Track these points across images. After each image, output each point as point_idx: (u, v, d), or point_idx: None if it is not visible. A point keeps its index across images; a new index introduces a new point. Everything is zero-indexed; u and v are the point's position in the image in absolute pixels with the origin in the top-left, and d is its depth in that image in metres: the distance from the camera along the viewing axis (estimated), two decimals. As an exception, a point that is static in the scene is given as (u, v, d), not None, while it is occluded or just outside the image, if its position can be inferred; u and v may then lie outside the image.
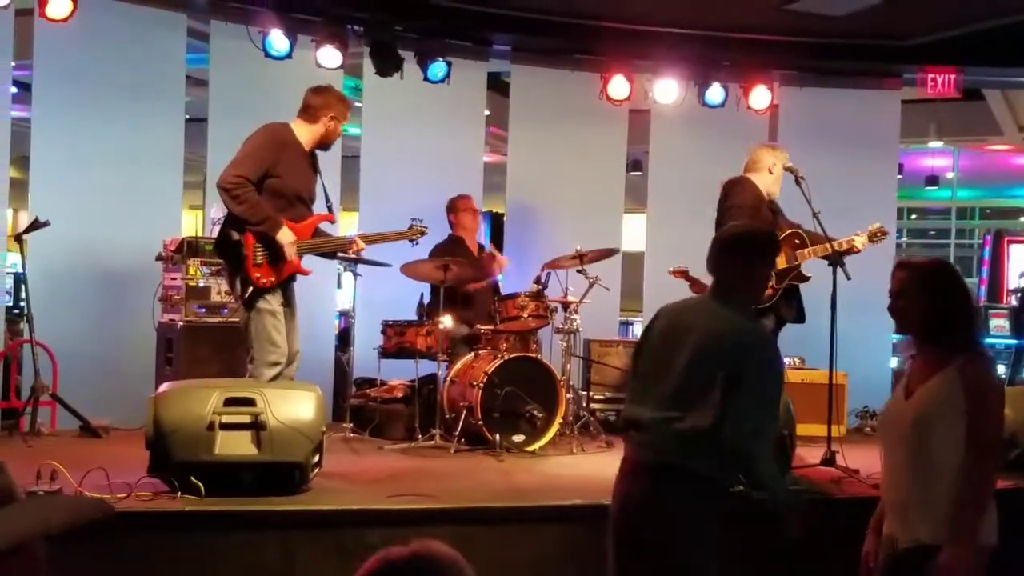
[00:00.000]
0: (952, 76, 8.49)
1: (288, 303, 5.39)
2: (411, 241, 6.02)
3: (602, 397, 7.48)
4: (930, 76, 8.55)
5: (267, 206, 5.19)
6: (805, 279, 6.00)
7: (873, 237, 6.09)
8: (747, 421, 3.22)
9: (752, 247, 3.49)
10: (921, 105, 10.84)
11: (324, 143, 5.49)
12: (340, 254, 6.13)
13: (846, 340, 6.01)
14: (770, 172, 6.16)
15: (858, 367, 6.48)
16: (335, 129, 5.46)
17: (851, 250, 5.99)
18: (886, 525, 3.26)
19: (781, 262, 5.94)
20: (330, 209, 5.70)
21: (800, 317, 6.16)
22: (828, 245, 5.90)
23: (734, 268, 3.43)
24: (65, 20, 6.62)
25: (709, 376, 3.21)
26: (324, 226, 5.59)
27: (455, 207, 7.39)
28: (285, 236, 5.20)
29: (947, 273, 3.30)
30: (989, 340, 10.10)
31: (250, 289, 5.20)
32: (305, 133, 5.40)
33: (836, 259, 5.85)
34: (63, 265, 6.97)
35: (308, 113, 5.41)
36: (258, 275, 5.20)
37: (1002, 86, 10.55)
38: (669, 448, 3.26)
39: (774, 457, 4.91)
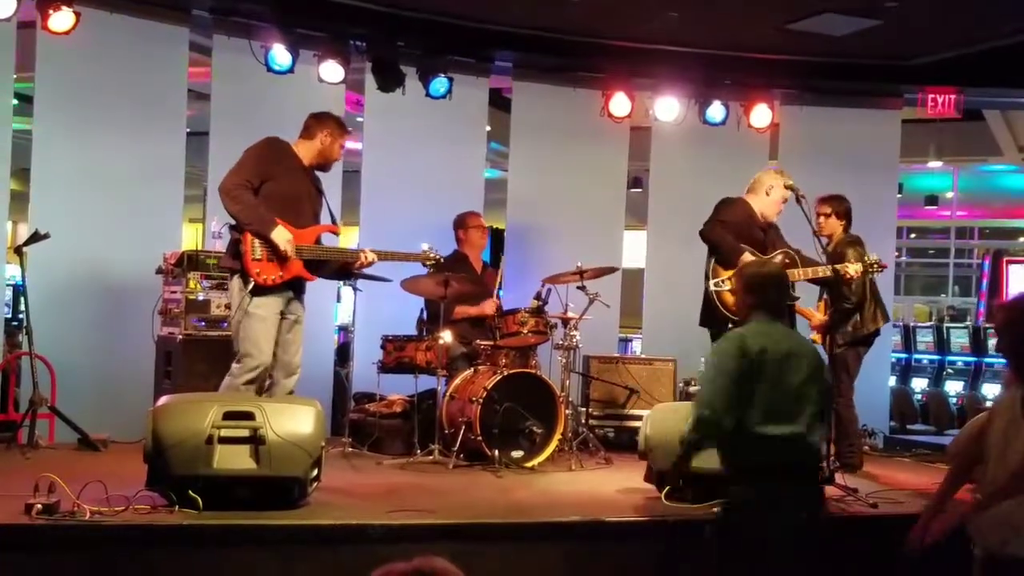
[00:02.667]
0: (952, 96, 8.53)
1: (288, 314, 5.42)
2: (424, 265, 6.07)
3: (601, 413, 7.46)
4: (931, 96, 8.59)
5: (262, 207, 5.30)
6: (793, 299, 6.03)
7: (869, 268, 6.14)
8: None
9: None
10: (921, 125, 10.89)
11: (323, 161, 5.65)
12: (345, 278, 6.17)
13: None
14: (767, 194, 6.26)
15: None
16: (331, 146, 5.61)
17: (844, 276, 6.04)
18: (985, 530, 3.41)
19: None
20: (334, 221, 5.77)
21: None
22: (818, 269, 6.02)
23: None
24: (67, 33, 6.64)
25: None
26: (329, 240, 5.61)
27: (464, 223, 7.36)
28: (279, 234, 5.27)
29: None
30: (989, 360, 10.14)
31: (250, 285, 5.25)
32: (303, 149, 5.59)
33: (827, 284, 5.97)
34: (63, 277, 6.96)
35: (306, 132, 5.63)
36: (257, 270, 5.26)
37: (1002, 107, 10.61)
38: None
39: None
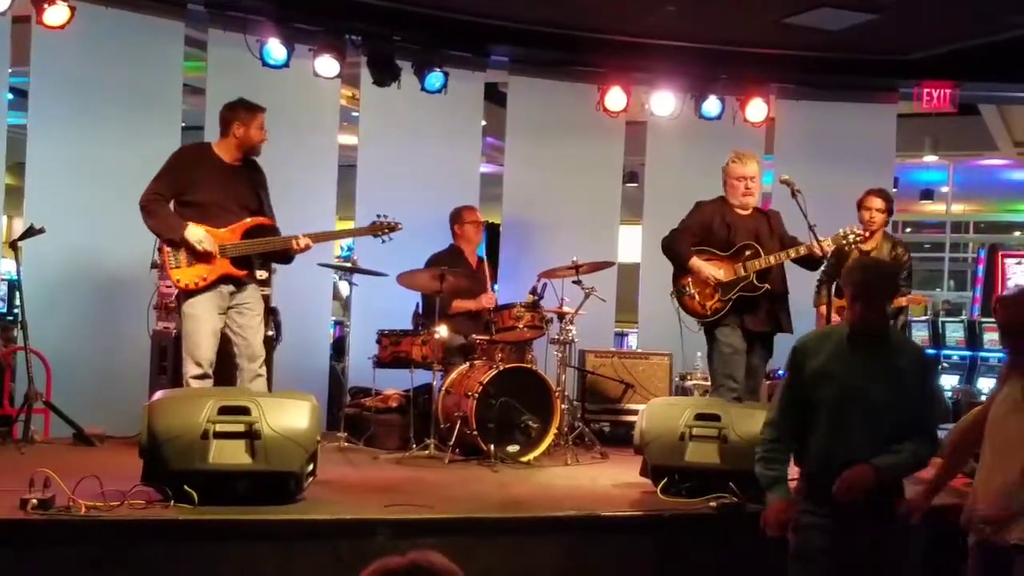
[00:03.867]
0: (948, 91, 8.54)
1: (235, 305, 5.58)
2: (378, 237, 6.05)
3: (597, 408, 7.46)
4: (926, 91, 8.59)
5: (172, 216, 5.49)
6: (757, 289, 6.08)
7: (839, 241, 6.07)
8: None
9: None
10: (917, 119, 10.89)
11: (247, 150, 5.69)
12: (330, 261, 6.18)
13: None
14: (725, 185, 6.33)
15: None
16: (247, 133, 5.63)
17: (811, 255, 6.03)
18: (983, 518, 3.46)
19: (727, 274, 6.04)
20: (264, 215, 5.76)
21: (779, 327, 6.25)
22: (786, 252, 6.08)
23: None
24: (62, 27, 6.62)
25: None
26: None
27: (460, 218, 7.36)
28: (191, 233, 5.40)
29: None
30: (985, 354, 10.16)
31: (174, 294, 5.49)
32: (223, 148, 5.68)
33: (808, 266, 6.11)
34: (58, 272, 6.95)
35: (221, 129, 5.70)
36: (177, 277, 5.47)
37: (998, 101, 10.59)
38: None
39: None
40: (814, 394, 3.66)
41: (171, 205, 5.56)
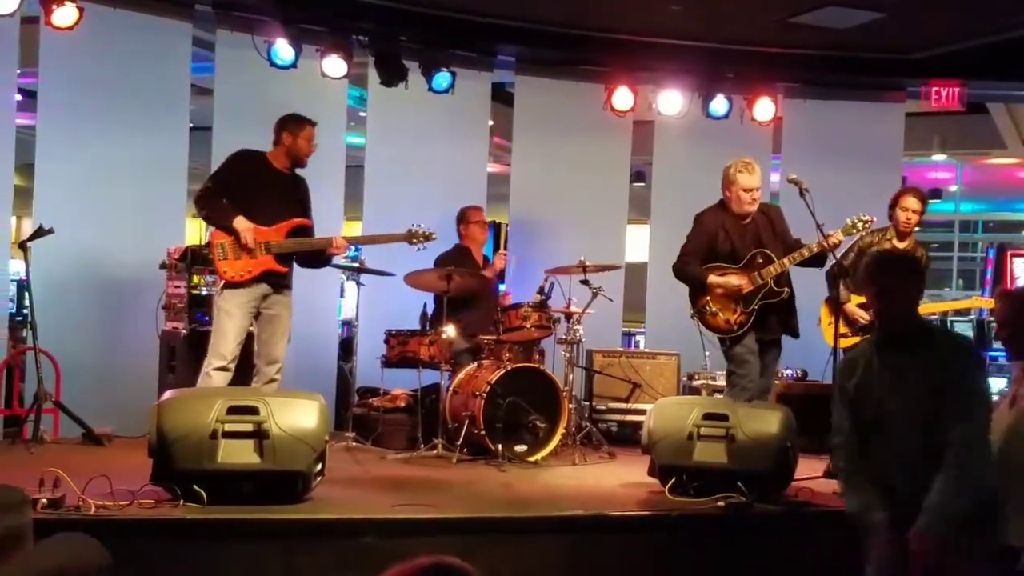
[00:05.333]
0: (956, 89, 8.52)
1: (265, 309, 5.83)
2: (413, 245, 6.21)
3: (604, 408, 7.47)
4: (934, 89, 8.57)
5: (226, 207, 5.77)
6: (778, 295, 6.05)
7: (850, 231, 6.02)
8: None
9: None
10: (925, 118, 10.84)
11: (295, 160, 6.00)
12: (338, 261, 6.51)
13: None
14: (728, 192, 6.20)
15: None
16: (294, 143, 5.96)
17: (823, 252, 5.96)
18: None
19: (745, 287, 6.00)
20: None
21: (789, 332, 6.23)
22: (799, 253, 6.00)
23: None
24: (71, 28, 6.64)
25: None
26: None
27: (466, 218, 7.40)
28: (240, 223, 5.71)
29: None
30: (993, 353, 10.13)
31: (221, 283, 5.75)
32: (275, 156, 6.00)
33: (815, 264, 6.04)
34: (67, 273, 6.97)
35: (274, 139, 6.01)
36: (224, 268, 5.73)
37: (1006, 100, 10.55)
38: None
39: (774, 469, 4.95)
40: (859, 416, 3.52)
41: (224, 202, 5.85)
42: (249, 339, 5.90)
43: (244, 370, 5.87)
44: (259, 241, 5.75)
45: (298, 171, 6.07)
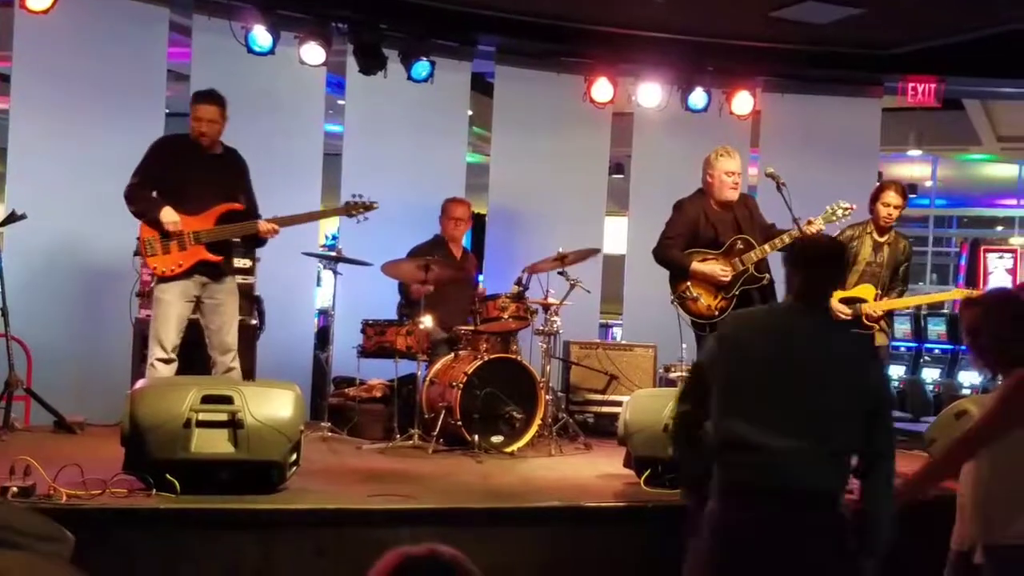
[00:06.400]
0: (933, 85, 8.57)
1: (206, 299, 5.72)
2: (353, 217, 6.09)
3: (581, 399, 7.47)
4: (911, 85, 8.62)
5: (152, 200, 5.63)
6: (759, 280, 6.11)
7: (830, 219, 6.08)
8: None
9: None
10: (901, 113, 10.91)
11: (198, 141, 5.74)
12: (314, 251, 6.19)
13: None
14: (709, 179, 6.28)
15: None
16: (192, 122, 5.72)
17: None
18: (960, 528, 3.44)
19: (726, 275, 6.03)
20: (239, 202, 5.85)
21: None
22: (780, 239, 6.05)
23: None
24: (46, 12, 6.58)
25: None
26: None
27: (444, 211, 7.29)
28: (165, 215, 5.56)
29: (1007, 305, 3.44)
30: (965, 348, 10.20)
31: (153, 280, 5.69)
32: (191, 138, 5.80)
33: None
34: (40, 259, 6.90)
35: None
36: (155, 265, 5.63)
37: (981, 96, 10.63)
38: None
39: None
40: None
41: (154, 195, 5.68)
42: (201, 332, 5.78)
43: (206, 362, 5.79)
44: (188, 232, 5.59)
45: (228, 145, 5.87)
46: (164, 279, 5.62)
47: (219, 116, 5.73)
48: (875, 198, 6.53)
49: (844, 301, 6.31)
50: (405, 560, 1.63)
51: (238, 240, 5.92)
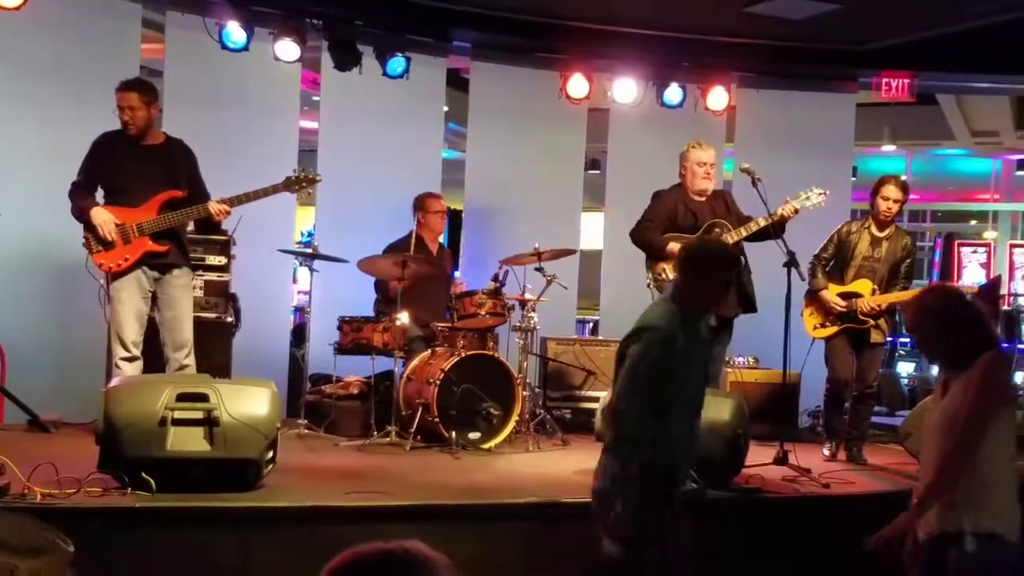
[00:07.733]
0: (907, 81, 8.63)
1: (160, 293, 5.68)
2: (295, 193, 6.04)
3: (558, 395, 7.48)
4: (885, 80, 8.67)
5: (84, 201, 5.60)
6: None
7: (804, 203, 6.19)
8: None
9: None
10: (876, 109, 10.98)
11: (126, 131, 5.67)
12: (290, 247, 6.15)
13: (800, 340, 6.04)
14: (684, 172, 6.48)
15: (811, 368, 6.53)
16: (117, 114, 5.66)
17: (783, 220, 6.12)
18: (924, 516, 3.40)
19: None
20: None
21: (749, 307, 6.39)
22: (755, 222, 6.17)
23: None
24: (18, 8, 6.52)
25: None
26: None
27: (424, 206, 7.27)
28: (95, 216, 5.54)
29: (947, 300, 3.45)
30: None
31: (102, 279, 5.65)
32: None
33: (769, 236, 6.01)
34: (13, 256, 6.85)
35: None
36: (101, 261, 5.59)
37: (955, 91, 10.71)
38: None
39: (725, 456, 4.99)
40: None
41: (99, 193, 5.70)
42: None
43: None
44: (131, 224, 5.55)
45: (172, 136, 5.83)
46: (116, 276, 5.60)
47: (140, 102, 5.62)
48: (875, 192, 6.42)
49: (841, 296, 6.33)
50: (356, 563, 1.62)
51: (191, 229, 5.91)
